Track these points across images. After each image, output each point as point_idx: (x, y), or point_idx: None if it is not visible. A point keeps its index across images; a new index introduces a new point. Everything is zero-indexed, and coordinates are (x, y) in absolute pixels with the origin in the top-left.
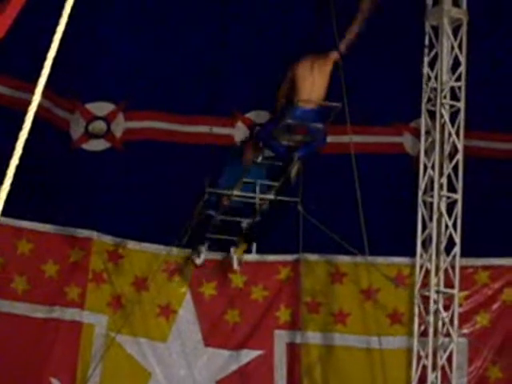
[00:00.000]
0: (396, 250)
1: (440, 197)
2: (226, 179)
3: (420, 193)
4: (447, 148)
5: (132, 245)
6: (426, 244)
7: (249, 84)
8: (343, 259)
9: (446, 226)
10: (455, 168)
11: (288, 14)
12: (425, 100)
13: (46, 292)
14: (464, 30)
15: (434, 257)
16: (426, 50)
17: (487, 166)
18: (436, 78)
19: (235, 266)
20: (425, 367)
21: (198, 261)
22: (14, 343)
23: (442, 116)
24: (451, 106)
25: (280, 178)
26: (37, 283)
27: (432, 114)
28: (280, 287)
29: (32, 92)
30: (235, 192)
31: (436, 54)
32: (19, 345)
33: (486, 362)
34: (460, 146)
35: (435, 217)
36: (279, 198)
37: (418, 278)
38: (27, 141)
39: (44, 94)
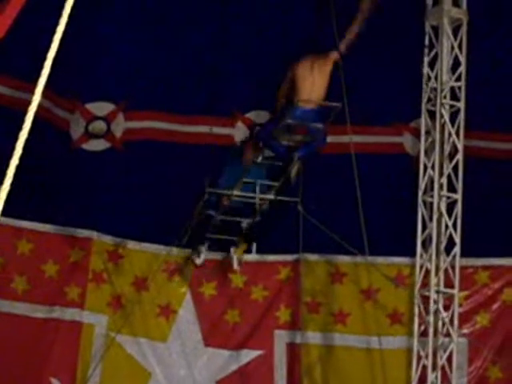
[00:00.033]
0: (396, 250)
1: (440, 197)
2: (225, 179)
3: (420, 193)
4: (447, 148)
5: (132, 245)
6: (426, 244)
7: (249, 84)
8: (343, 259)
9: (446, 226)
10: (455, 168)
11: (288, 14)
12: (425, 100)
13: (46, 292)
14: (464, 29)
15: (433, 257)
16: (426, 50)
17: (487, 166)
18: (436, 78)
19: (235, 265)
20: (425, 367)
21: (198, 261)
22: (14, 343)
23: (442, 116)
24: (451, 106)
25: (280, 178)
26: (37, 283)
27: (432, 114)
28: (280, 287)
29: (32, 92)
30: (235, 192)
31: (436, 54)
32: (19, 345)
33: (486, 362)
34: (460, 146)
35: (435, 217)
36: (279, 198)
37: (418, 278)
38: (27, 141)
39: (44, 94)
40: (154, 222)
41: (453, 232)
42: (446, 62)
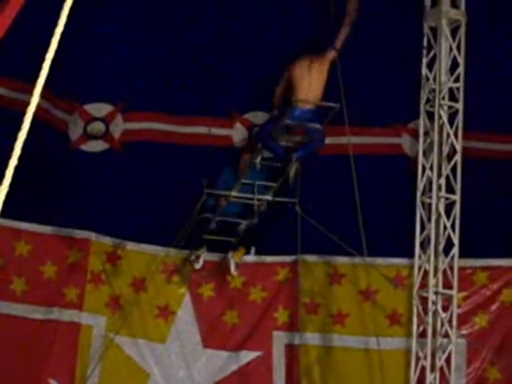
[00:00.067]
0: (394, 251)
1: (438, 198)
2: (224, 180)
3: (418, 194)
4: (446, 149)
5: (130, 246)
6: (424, 245)
7: (248, 84)
8: (342, 260)
9: (445, 227)
10: (454, 169)
11: (288, 14)
12: (423, 101)
13: (45, 293)
14: (462, 31)
15: (432, 258)
16: (425, 51)
17: (485, 167)
18: (434, 79)
19: (233, 270)
20: (423, 368)
21: (197, 265)
22: (13, 344)
23: (440, 117)
24: (450, 107)
25: (278, 179)
26: (35, 284)
27: (430, 115)
28: (278, 288)
29: (30, 93)
30: (233, 193)
31: (434, 55)
32: (18, 346)
33: (485, 362)
34: (458, 147)
35: (434, 218)
36: (277, 199)
37: (417, 279)
38: (26, 142)
39: (42, 94)
40: (152, 223)
41: (451, 233)
42: (444, 63)
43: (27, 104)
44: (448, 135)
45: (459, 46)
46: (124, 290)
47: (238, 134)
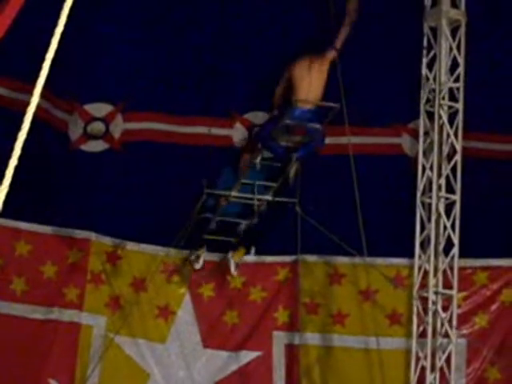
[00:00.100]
0: (394, 251)
1: (438, 198)
2: (223, 180)
3: (418, 194)
4: (445, 149)
5: (130, 246)
6: (424, 245)
7: (248, 84)
8: (342, 260)
9: (445, 227)
10: (453, 169)
11: (288, 14)
12: (423, 101)
13: (45, 293)
14: (462, 31)
15: (432, 258)
16: (425, 51)
17: (485, 167)
18: (434, 79)
19: (233, 270)
20: (423, 368)
21: (197, 265)
22: (13, 344)
23: (440, 117)
24: (450, 107)
25: (278, 179)
26: (35, 284)
27: (430, 115)
28: (278, 288)
29: (30, 93)
30: (233, 193)
31: (434, 55)
32: (18, 346)
33: (485, 363)
34: (458, 147)
35: (434, 218)
36: (277, 199)
37: (417, 279)
38: (26, 141)
39: (42, 94)
40: (152, 223)
41: (451, 233)
42: (444, 63)
43: (27, 104)
44: (448, 135)
45: (459, 46)
46: (124, 290)
47: (237, 134)
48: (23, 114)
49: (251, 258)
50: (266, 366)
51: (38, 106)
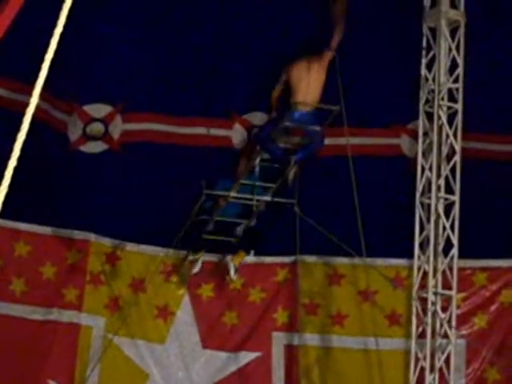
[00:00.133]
0: (394, 252)
1: (438, 198)
2: (222, 183)
3: (417, 194)
4: (445, 150)
5: (130, 247)
6: (423, 246)
7: (248, 85)
8: (341, 261)
9: (444, 228)
10: (453, 170)
11: (288, 14)
12: (422, 102)
13: (44, 294)
14: (462, 31)
15: (431, 258)
16: (424, 52)
17: (485, 168)
18: (434, 80)
19: (232, 274)
20: (423, 369)
21: (195, 269)
22: (12, 345)
23: (439, 118)
24: (449, 108)
25: (277, 180)
26: (35, 285)
27: (430, 116)
28: (278, 289)
29: (30, 94)
30: (232, 194)
31: (434, 56)
32: (17, 347)
33: (484, 363)
34: (458, 148)
35: (433, 218)
36: (276, 199)
37: (416, 280)
38: (25, 142)
39: (42, 95)
40: (151, 224)
41: (450, 234)
42: (443, 63)
43: (26, 105)
44: (447, 136)
45: (458, 47)
46: (123, 290)
47: (237, 134)
48: (22, 114)
49: (250, 258)
50: (266, 366)
51: (37, 107)
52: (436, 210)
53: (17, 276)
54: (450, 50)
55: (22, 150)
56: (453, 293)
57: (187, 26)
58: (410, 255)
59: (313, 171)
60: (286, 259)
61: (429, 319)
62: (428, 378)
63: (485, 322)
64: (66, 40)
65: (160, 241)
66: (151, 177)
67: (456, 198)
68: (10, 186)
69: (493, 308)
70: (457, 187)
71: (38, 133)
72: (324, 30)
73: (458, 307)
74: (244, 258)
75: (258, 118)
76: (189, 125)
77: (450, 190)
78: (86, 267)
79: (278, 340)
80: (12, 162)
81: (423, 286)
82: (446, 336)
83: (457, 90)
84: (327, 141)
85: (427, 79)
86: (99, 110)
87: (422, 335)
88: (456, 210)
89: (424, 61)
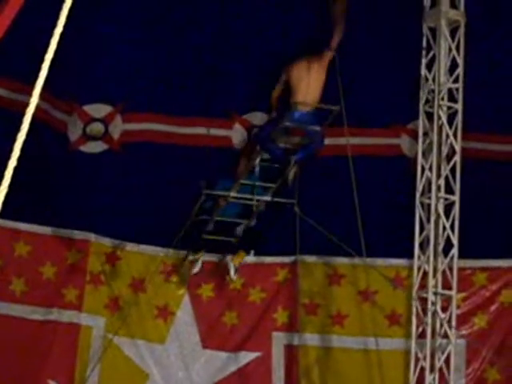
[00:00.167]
0: (394, 252)
1: (438, 198)
2: (222, 184)
3: (417, 194)
4: (445, 150)
5: (130, 247)
6: (423, 246)
7: (247, 84)
8: (341, 261)
9: (444, 228)
10: (453, 170)
11: (288, 14)
12: (422, 101)
13: (44, 294)
14: (462, 31)
15: (431, 258)
16: (424, 52)
17: (485, 168)
18: (434, 80)
19: (232, 274)
20: (423, 369)
21: (195, 270)
22: (12, 345)
23: (439, 118)
24: (449, 108)
25: (277, 180)
26: (35, 285)
27: (430, 116)
28: (278, 289)
29: (30, 94)
30: (232, 194)
31: (434, 56)
32: (17, 347)
33: (484, 363)
34: (458, 148)
35: (433, 218)
36: (276, 199)
37: (416, 280)
38: (25, 142)
39: (42, 95)
40: (151, 224)
41: (450, 234)
42: (443, 63)
43: (26, 105)
44: (447, 136)
45: (458, 47)
46: (123, 290)
47: (237, 134)
48: (22, 114)
49: (250, 258)
50: (266, 366)
51: (37, 107)
52: (436, 209)
53: (17, 276)
54: (450, 49)
55: (22, 150)
56: (453, 293)
57: (187, 25)
58: (410, 255)
59: (313, 171)
60: (286, 259)
61: (429, 319)
62: (428, 378)
63: (485, 322)
64: (66, 40)
65: (160, 241)
66: (151, 177)
67: (456, 197)
68: (10, 185)
69: (493, 308)
70: (457, 187)
71: (38, 133)
72: (324, 30)
73: (458, 307)
74: (244, 258)
75: (258, 117)
76: (189, 125)
77: (450, 189)
78: (86, 267)
79: (278, 340)
80: (12, 162)
81: (423, 285)
82: (445, 336)
83: (457, 89)
84: (327, 141)
85: (427, 79)
86: (99, 109)
87: (421, 335)
88: (456, 209)
89: (424, 61)
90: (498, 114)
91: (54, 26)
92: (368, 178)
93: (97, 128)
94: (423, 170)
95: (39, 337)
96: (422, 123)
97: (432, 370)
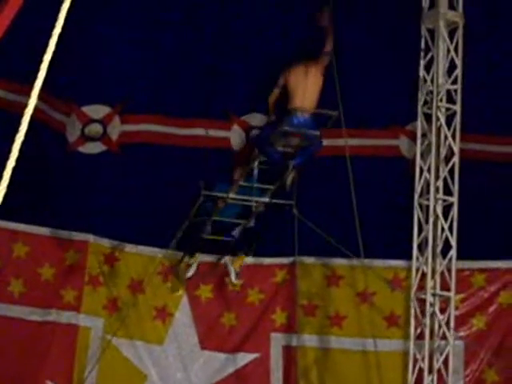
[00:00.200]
0: (392, 253)
1: (436, 200)
2: (220, 186)
3: (416, 196)
4: (443, 151)
5: (128, 248)
6: (422, 247)
7: (247, 85)
8: (339, 262)
9: (442, 229)
10: (451, 171)
11: (288, 14)
12: (421, 103)
13: (42, 295)
14: (460, 33)
15: (430, 260)
16: (422, 53)
17: (483, 169)
18: (432, 81)
19: (233, 278)
20: (421, 370)
21: (189, 273)
22: (11, 346)
23: (438, 119)
24: (447, 109)
25: (275, 182)
26: (33, 286)
27: (428, 117)
28: (276, 290)
29: (28, 95)
30: (231, 195)
31: (432, 57)
32: (15, 348)
33: (483, 364)
34: (456, 149)
35: (431, 220)
36: (274, 201)
37: (415, 281)
38: (23, 143)
39: (40, 96)
40: (150, 225)
41: (449, 235)
42: (442, 64)
43: (25, 106)
44: (446, 137)
45: (457, 48)
46: (121, 291)
47: (235, 136)
48: (21, 115)
49: (249, 259)
50: (264, 367)
51: (36, 108)
52: (434, 211)
53: (15, 277)
54: (449, 51)
55: (21, 150)
56: (451, 294)
57: (187, 25)
58: (409, 256)
59: (311, 172)
60: (285, 260)
61: (427, 320)
62: (426, 379)
63: (483, 324)
64: (66, 40)
65: (158, 242)
66: (149, 178)
67: (454, 199)
68: (9, 186)
69: (491, 309)
70: (455, 188)
71: (36, 133)
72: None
73: (457, 308)
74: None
75: (256, 119)
76: (187, 126)
77: (448, 191)
78: (85, 268)
79: (277, 341)
80: (10, 163)
81: (421, 287)
82: (444, 337)
83: (455, 91)
84: (326, 142)
85: (426, 80)
86: (97, 110)
87: (420, 336)
88: (454, 211)
89: (422, 62)
90: (496, 115)
91: (52, 26)
92: (366, 179)
93: (95, 129)
94: (421, 171)
95: (37, 338)
96: (420, 124)
97: (430, 371)
